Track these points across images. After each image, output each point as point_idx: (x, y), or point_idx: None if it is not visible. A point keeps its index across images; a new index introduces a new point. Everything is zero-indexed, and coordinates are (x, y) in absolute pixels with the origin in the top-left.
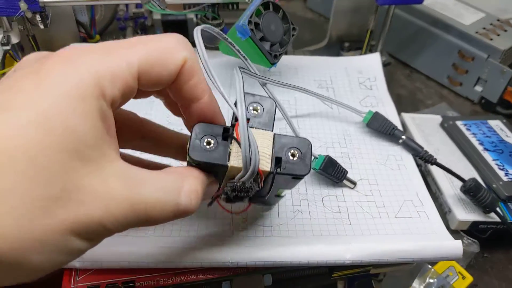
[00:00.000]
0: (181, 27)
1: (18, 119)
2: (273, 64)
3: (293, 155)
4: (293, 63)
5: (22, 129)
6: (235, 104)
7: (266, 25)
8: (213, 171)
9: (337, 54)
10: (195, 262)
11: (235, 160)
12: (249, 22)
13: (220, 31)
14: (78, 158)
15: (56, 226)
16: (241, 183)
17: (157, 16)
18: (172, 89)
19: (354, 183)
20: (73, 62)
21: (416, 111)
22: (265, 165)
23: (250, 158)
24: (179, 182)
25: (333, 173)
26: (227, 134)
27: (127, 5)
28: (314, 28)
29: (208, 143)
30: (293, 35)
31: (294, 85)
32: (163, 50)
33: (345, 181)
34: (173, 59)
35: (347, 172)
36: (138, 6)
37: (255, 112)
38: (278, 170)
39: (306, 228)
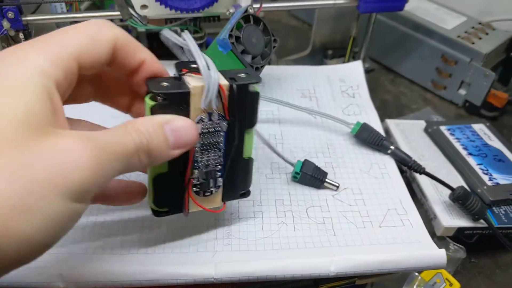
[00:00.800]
0: None
1: None
2: None
3: (242, 75)
4: (276, 73)
5: None
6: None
7: (247, 38)
8: (177, 108)
9: (321, 62)
10: (179, 279)
11: (195, 83)
12: (230, 35)
13: (180, 38)
14: (33, 129)
15: (35, 187)
16: (209, 117)
17: (142, 28)
18: (117, 65)
19: (337, 185)
20: (17, 53)
21: (401, 116)
22: (223, 81)
23: (209, 68)
24: (129, 124)
25: (313, 174)
26: (181, 74)
27: (112, 19)
28: (298, 35)
29: (164, 84)
30: (274, 46)
31: (275, 98)
32: (93, 31)
33: (326, 184)
34: (105, 36)
35: (326, 173)
36: (122, 20)
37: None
38: (235, 83)
39: (291, 240)
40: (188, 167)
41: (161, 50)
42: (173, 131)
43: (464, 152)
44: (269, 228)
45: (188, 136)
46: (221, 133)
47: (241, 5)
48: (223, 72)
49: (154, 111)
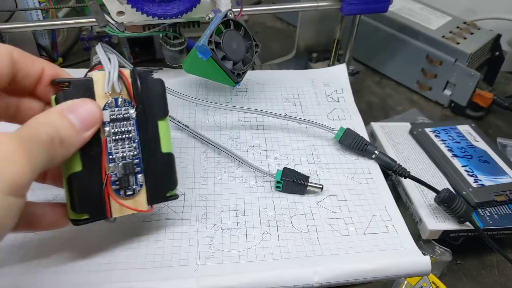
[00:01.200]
0: (147, 43)
1: None
2: (236, 83)
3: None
4: (260, 78)
5: None
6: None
7: (227, 44)
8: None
9: (306, 65)
10: None
11: (97, 73)
12: (209, 42)
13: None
14: None
15: None
16: (115, 103)
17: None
18: (20, 78)
19: (320, 187)
20: None
21: (387, 118)
22: (124, 70)
23: (109, 58)
24: (38, 118)
25: (294, 180)
26: (87, 72)
27: (90, 26)
28: (283, 38)
29: (69, 82)
30: (256, 52)
31: (257, 109)
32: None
33: (310, 187)
34: (1, 50)
35: (308, 177)
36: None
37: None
38: (136, 69)
39: (275, 251)
40: (103, 159)
41: (144, 55)
42: (75, 113)
43: (449, 154)
44: (252, 238)
45: (91, 114)
46: (131, 121)
47: (221, 10)
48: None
49: (58, 100)
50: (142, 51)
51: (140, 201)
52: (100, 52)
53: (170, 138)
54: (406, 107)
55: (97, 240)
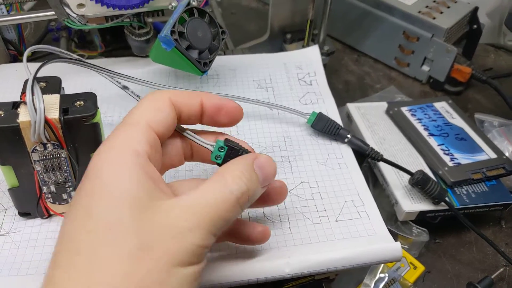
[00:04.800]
0: (119, 31)
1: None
2: (203, 72)
3: (79, 104)
4: (231, 63)
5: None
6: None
7: (191, 33)
8: (12, 139)
9: (281, 46)
10: None
11: (24, 116)
12: (172, 32)
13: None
14: (142, 209)
15: (154, 266)
16: (44, 147)
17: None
18: (182, 122)
19: None
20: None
21: (365, 97)
22: (53, 114)
23: (34, 107)
24: (227, 175)
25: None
26: (18, 102)
27: (53, 19)
28: (259, 18)
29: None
30: (223, 39)
31: (230, 94)
32: (152, 103)
33: None
34: (162, 98)
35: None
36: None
37: (43, 84)
38: (65, 116)
39: None
40: (36, 186)
41: (115, 43)
42: (260, 168)
43: (425, 133)
44: None
45: (272, 170)
46: (62, 159)
47: None
48: (63, 97)
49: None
50: (114, 39)
51: None
52: (28, 96)
53: None
54: (384, 85)
55: None
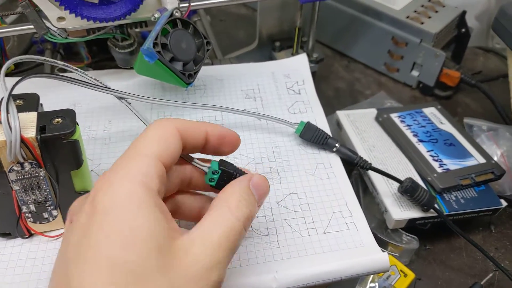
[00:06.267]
0: (105, 42)
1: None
2: (188, 84)
3: (57, 122)
4: (219, 74)
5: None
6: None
7: (175, 44)
8: None
9: (270, 54)
10: None
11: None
12: (155, 44)
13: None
14: (165, 253)
15: None
16: (21, 166)
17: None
18: (186, 151)
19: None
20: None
21: (356, 103)
22: (30, 133)
23: (10, 126)
24: (230, 203)
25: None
26: None
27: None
28: (248, 25)
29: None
30: (208, 49)
31: (216, 105)
32: (159, 132)
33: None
34: (169, 129)
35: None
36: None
37: (20, 102)
38: (43, 134)
39: (234, 257)
40: (15, 205)
41: (102, 54)
42: (256, 188)
43: (414, 139)
44: None
45: (266, 189)
46: (41, 177)
47: (167, 8)
48: (41, 115)
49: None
50: (101, 50)
51: (57, 224)
52: (3, 115)
53: (89, 177)
54: (374, 91)
55: None
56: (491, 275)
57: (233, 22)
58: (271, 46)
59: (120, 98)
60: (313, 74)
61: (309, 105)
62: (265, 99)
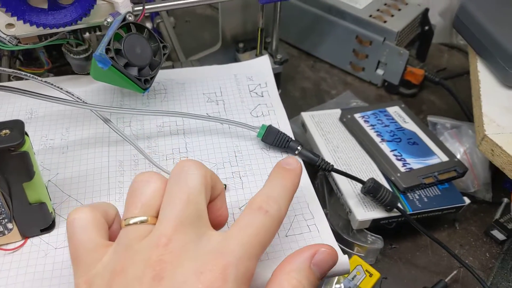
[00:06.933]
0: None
1: None
2: (145, 89)
3: (5, 134)
4: (180, 77)
5: None
6: None
7: (129, 49)
8: None
9: (234, 56)
10: None
11: None
12: (108, 49)
13: None
14: None
15: None
16: None
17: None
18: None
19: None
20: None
21: (322, 103)
22: None
23: None
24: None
25: None
26: None
27: None
28: (214, 26)
29: None
30: (164, 54)
31: (176, 111)
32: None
33: None
34: (208, 174)
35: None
36: None
37: None
38: None
39: None
40: None
41: (63, 58)
42: (318, 266)
43: (378, 139)
44: None
45: (332, 263)
46: None
47: (120, 13)
48: None
49: None
50: (61, 54)
51: (13, 236)
52: None
53: (43, 188)
54: (340, 90)
55: None
56: (455, 272)
57: (198, 23)
58: (235, 48)
59: (105, 119)
60: (278, 75)
61: (272, 107)
62: (228, 102)
